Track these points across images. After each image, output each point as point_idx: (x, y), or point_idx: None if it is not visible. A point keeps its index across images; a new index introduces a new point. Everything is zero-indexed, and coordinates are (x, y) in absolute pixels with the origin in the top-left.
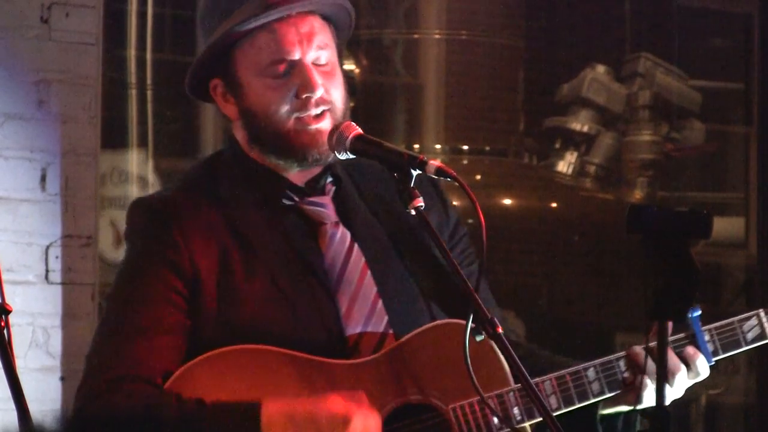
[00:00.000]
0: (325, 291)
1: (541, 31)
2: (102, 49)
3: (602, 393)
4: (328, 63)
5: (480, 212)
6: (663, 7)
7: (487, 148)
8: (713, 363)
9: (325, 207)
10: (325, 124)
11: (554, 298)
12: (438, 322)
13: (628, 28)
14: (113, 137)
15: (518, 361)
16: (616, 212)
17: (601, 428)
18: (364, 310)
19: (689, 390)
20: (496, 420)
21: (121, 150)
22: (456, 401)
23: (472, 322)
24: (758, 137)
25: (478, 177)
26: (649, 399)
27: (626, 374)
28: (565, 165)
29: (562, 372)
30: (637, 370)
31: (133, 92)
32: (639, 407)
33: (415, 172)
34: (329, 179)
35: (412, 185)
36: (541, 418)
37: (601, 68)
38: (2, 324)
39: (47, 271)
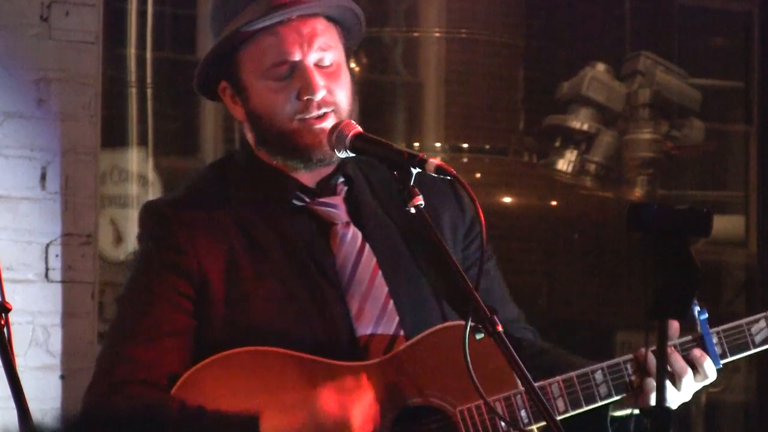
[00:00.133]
0: (336, 292)
1: (541, 30)
2: (102, 48)
3: (610, 396)
4: (332, 64)
5: (480, 211)
6: (663, 5)
7: (487, 147)
8: (721, 366)
9: (336, 207)
10: (329, 125)
11: (554, 296)
12: (445, 324)
13: (628, 26)
14: (113, 136)
15: (518, 359)
16: (616, 210)
17: (612, 430)
18: (374, 311)
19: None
20: (503, 423)
21: (121, 148)
22: (463, 403)
23: (472, 320)
24: (758, 136)
25: (478, 175)
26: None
27: (633, 377)
28: (565, 163)
29: (570, 374)
30: (645, 372)
31: (133, 91)
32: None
33: (414, 171)
34: (340, 179)
35: (411, 183)
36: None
37: (601, 66)
38: (2, 322)
39: (47, 269)
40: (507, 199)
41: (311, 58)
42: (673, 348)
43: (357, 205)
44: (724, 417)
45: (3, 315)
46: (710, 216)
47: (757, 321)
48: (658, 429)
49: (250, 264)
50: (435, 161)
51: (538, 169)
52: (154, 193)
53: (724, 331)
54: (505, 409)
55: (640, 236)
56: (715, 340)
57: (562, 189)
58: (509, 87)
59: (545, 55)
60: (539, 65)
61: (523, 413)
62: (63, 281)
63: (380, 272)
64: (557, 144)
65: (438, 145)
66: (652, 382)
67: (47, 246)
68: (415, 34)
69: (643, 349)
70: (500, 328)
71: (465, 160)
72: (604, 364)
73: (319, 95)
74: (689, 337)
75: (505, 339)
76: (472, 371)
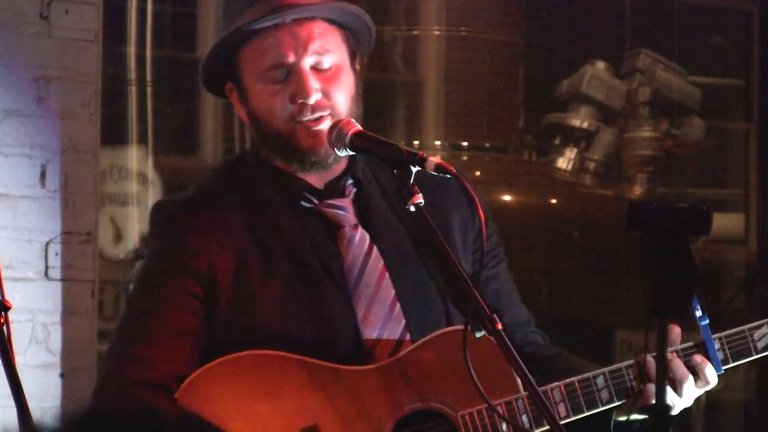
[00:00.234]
0: (343, 295)
1: (540, 28)
2: (102, 46)
3: (611, 401)
4: (331, 67)
5: (480, 209)
6: (663, 3)
7: (487, 145)
8: (722, 372)
9: (345, 209)
10: (325, 128)
11: (554, 294)
12: (447, 328)
13: (627, 24)
14: (113, 134)
15: (519, 359)
16: (615, 209)
17: None
18: (381, 314)
19: None
20: (504, 427)
21: (120, 147)
22: (465, 408)
23: (473, 319)
24: (758, 134)
25: (478, 173)
26: None
27: (635, 382)
28: (564, 161)
29: (572, 379)
30: (646, 377)
31: (133, 89)
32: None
33: (414, 169)
34: (349, 181)
35: (411, 182)
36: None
37: (600, 64)
38: (2, 321)
39: (47, 267)
40: (507, 197)
41: (307, 62)
42: (674, 354)
43: (366, 207)
44: (724, 415)
45: (3, 313)
46: (710, 214)
47: (759, 327)
48: (658, 428)
49: (258, 265)
50: (435, 159)
51: (537, 167)
52: (153, 191)
53: (726, 337)
54: (507, 414)
55: (640, 234)
56: (717, 345)
57: (561, 187)
58: (509, 85)
59: (545, 53)
60: (539, 63)
61: (524, 418)
62: (63, 279)
63: (387, 275)
64: (557, 142)
65: (438, 143)
66: (653, 388)
67: (47, 244)
68: (415, 32)
69: (644, 355)
70: (500, 327)
71: (465, 158)
72: (606, 369)
73: (313, 99)
74: (691, 343)
75: (506, 338)
76: (472, 371)
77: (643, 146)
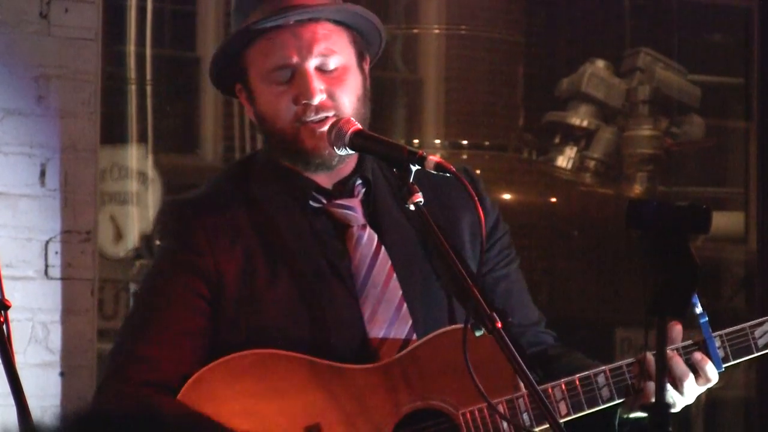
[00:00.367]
0: (350, 295)
1: (540, 27)
2: (101, 45)
3: (612, 399)
4: (336, 68)
5: (479, 208)
6: (662, 2)
7: (487, 143)
8: (723, 370)
9: (353, 209)
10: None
11: (554, 293)
12: (449, 327)
13: (627, 23)
14: (113, 133)
15: (518, 357)
16: (615, 207)
17: None
18: (388, 314)
19: None
20: (505, 425)
21: (120, 145)
22: (466, 406)
23: (473, 318)
24: (758, 132)
25: (478, 172)
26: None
27: (635, 380)
28: (564, 160)
29: (573, 377)
30: (646, 375)
31: (133, 88)
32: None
33: (414, 168)
34: (358, 181)
35: (411, 180)
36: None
37: (600, 63)
38: (2, 319)
39: (47, 266)
40: (506, 196)
41: (311, 63)
42: (674, 352)
43: (375, 207)
44: (724, 413)
45: (2, 312)
46: (709, 213)
47: (760, 324)
48: (658, 425)
49: (266, 265)
50: (435, 158)
51: (537, 166)
52: (153, 190)
53: (727, 334)
54: (508, 412)
55: (640, 233)
56: (718, 343)
57: (561, 186)
58: (509, 84)
59: (545, 51)
60: (539, 62)
61: (525, 416)
62: (62, 278)
63: (395, 275)
64: (557, 140)
65: (438, 141)
66: (653, 386)
67: (47, 243)
68: (415, 31)
69: (645, 353)
70: (500, 326)
71: (465, 156)
72: (607, 367)
73: (317, 100)
74: (691, 341)
75: (505, 337)
76: (471, 370)
77: (643, 145)
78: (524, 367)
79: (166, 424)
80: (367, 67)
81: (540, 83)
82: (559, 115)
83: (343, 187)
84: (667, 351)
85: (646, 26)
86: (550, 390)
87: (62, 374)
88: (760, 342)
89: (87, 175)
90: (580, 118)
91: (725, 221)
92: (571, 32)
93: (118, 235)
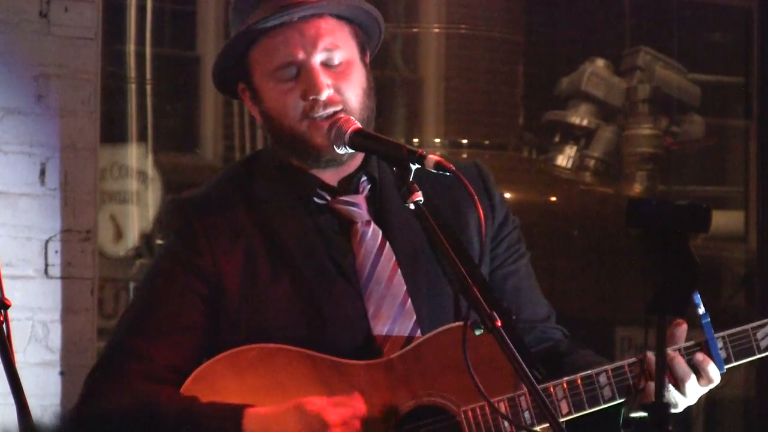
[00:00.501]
0: (354, 291)
1: (540, 25)
2: (101, 44)
3: (613, 399)
4: (341, 63)
5: (479, 207)
6: (662, 1)
7: (487, 142)
8: (725, 371)
9: (358, 206)
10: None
11: (554, 292)
12: (452, 324)
13: (627, 22)
14: (113, 132)
15: (518, 356)
16: (615, 206)
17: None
18: (392, 310)
19: None
20: (506, 423)
21: (120, 144)
22: (468, 404)
23: (473, 316)
24: (758, 131)
25: None
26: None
27: (636, 379)
28: (564, 159)
29: (574, 376)
30: (648, 375)
31: (133, 87)
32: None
33: (414, 167)
34: (363, 178)
35: (411, 179)
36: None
37: (600, 62)
38: (1, 318)
39: (46, 265)
40: (506, 195)
41: (317, 58)
42: (676, 352)
43: (381, 204)
44: (724, 413)
45: (2, 311)
46: (709, 211)
47: (763, 326)
48: (658, 424)
49: (268, 264)
50: (434, 157)
51: (537, 165)
52: (153, 189)
53: (729, 335)
54: (509, 411)
55: (640, 232)
56: (720, 344)
57: (561, 184)
58: (509, 83)
59: (545, 50)
60: (539, 61)
61: (526, 414)
62: (62, 277)
63: (399, 271)
64: (557, 139)
65: (437, 140)
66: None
67: (47, 242)
68: (415, 30)
69: (647, 353)
70: (499, 324)
71: (464, 155)
72: (609, 366)
73: (324, 95)
74: (693, 342)
75: (505, 335)
76: (470, 367)
77: (643, 144)
78: (524, 366)
79: (156, 416)
80: (368, 62)
81: (540, 82)
82: (559, 114)
83: (348, 184)
84: (669, 351)
85: (646, 25)
86: (551, 389)
87: (62, 373)
88: (762, 343)
89: (87, 174)
90: (580, 117)
91: (725, 220)
92: (571, 31)
93: (118, 234)
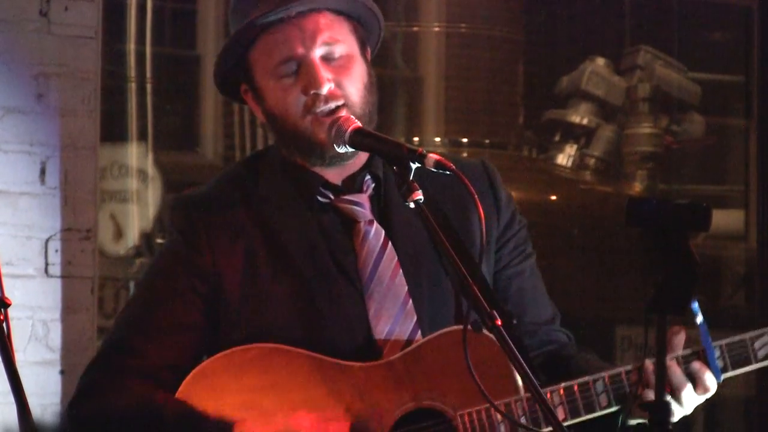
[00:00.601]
0: (355, 291)
1: (540, 24)
2: (101, 43)
3: (610, 406)
4: (341, 57)
5: (479, 206)
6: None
7: (487, 141)
8: (721, 380)
9: (361, 205)
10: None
11: (553, 291)
12: (451, 327)
13: (627, 20)
14: (113, 131)
15: (518, 355)
16: (615, 205)
17: None
18: (393, 310)
19: None
20: (502, 428)
21: (120, 143)
22: (465, 408)
23: (473, 315)
24: (758, 130)
25: None
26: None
27: (633, 387)
28: (564, 158)
29: (571, 382)
30: (645, 383)
31: (133, 86)
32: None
33: (414, 165)
34: (367, 177)
35: (411, 178)
36: (548, 427)
37: (600, 61)
38: (1, 317)
39: (47, 264)
40: None
41: (317, 53)
42: (673, 361)
43: (384, 204)
44: (724, 413)
45: (2, 310)
46: (709, 210)
47: (761, 336)
48: (658, 422)
49: (269, 263)
50: (434, 156)
51: (537, 164)
52: (153, 188)
53: (727, 344)
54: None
55: (640, 231)
56: (717, 353)
57: (561, 183)
58: (509, 82)
59: (545, 49)
60: (539, 60)
61: (523, 420)
62: (63, 276)
63: (401, 271)
64: (557, 138)
65: (438, 139)
66: (651, 394)
67: (47, 241)
68: (415, 29)
69: (645, 360)
70: (500, 323)
71: (464, 154)
72: (606, 373)
73: (325, 89)
74: (690, 351)
75: (505, 334)
76: (472, 368)
77: (643, 143)
78: (524, 365)
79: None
80: (369, 57)
81: (540, 81)
82: (559, 113)
83: (352, 183)
84: (666, 360)
85: (646, 24)
86: (548, 395)
87: (62, 372)
88: (760, 353)
89: (87, 173)
90: (580, 116)
91: (725, 219)
92: (571, 30)
93: (118, 233)
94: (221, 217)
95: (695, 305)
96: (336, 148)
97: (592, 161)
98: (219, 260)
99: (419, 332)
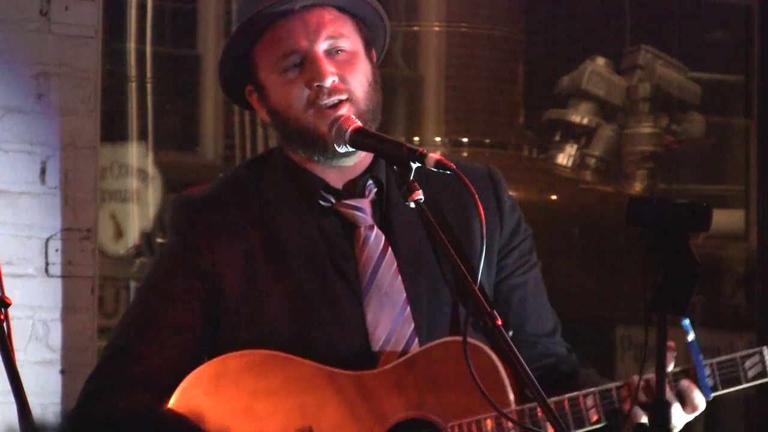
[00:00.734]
0: (354, 296)
1: (541, 24)
2: (101, 42)
3: (599, 422)
4: (345, 52)
5: (480, 206)
6: None
7: (487, 141)
8: (710, 398)
9: (362, 210)
10: (345, 113)
11: (554, 290)
12: (447, 338)
13: (627, 20)
14: (113, 130)
15: (518, 355)
16: (616, 205)
17: None
18: (391, 316)
19: None
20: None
21: (120, 143)
22: (456, 419)
23: (473, 317)
24: (758, 129)
25: None
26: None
27: (622, 403)
28: (565, 157)
29: (562, 397)
30: (634, 399)
31: (133, 85)
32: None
33: (414, 165)
34: (369, 182)
35: (411, 178)
36: None
37: (600, 60)
38: (2, 317)
39: (47, 264)
40: None
41: (320, 46)
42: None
43: (387, 208)
44: (724, 412)
45: (3, 310)
46: (709, 210)
47: (751, 356)
48: (658, 422)
49: (269, 266)
50: (435, 156)
51: (538, 164)
52: (154, 187)
53: (718, 364)
54: (495, 429)
55: (640, 231)
56: (708, 372)
57: (562, 183)
58: (509, 81)
59: (545, 49)
60: (539, 59)
61: None
62: (63, 276)
63: (400, 277)
64: (557, 138)
65: (438, 139)
66: (640, 411)
67: (47, 241)
68: (415, 29)
69: (635, 377)
70: (500, 323)
71: (465, 154)
72: (596, 389)
73: (329, 81)
74: (680, 369)
75: (505, 333)
76: (474, 372)
77: (644, 142)
78: (524, 365)
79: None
80: (374, 58)
81: (540, 81)
82: (560, 112)
83: (354, 187)
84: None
85: (646, 23)
86: (538, 409)
87: (62, 372)
88: (750, 373)
89: (87, 173)
90: (580, 116)
91: (725, 219)
92: (571, 30)
93: (119, 233)
94: (221, 218)
95: (686, 322)
96: (336, 147)
97: (592, 161)
98: (219, 260)
99: (417, 339)
